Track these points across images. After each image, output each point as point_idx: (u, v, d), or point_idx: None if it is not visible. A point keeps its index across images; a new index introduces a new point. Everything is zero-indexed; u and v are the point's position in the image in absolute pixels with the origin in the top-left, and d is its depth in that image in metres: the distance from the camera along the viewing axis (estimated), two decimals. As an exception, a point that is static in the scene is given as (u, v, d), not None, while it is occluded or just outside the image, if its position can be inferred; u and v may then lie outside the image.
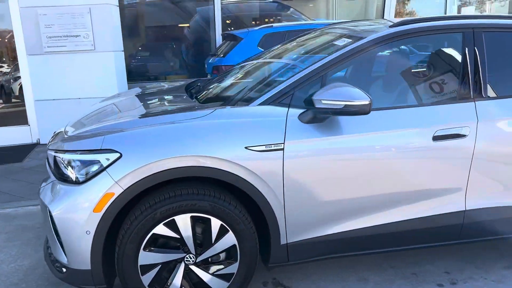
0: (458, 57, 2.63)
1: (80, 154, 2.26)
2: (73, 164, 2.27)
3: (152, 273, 2.32)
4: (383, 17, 9.25)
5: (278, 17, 10.54)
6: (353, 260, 3.00)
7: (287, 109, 2.37)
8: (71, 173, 2.26)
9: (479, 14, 2.79)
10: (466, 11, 12.25)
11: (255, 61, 3.32)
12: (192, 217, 2.28)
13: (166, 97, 3.15)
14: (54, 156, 2.43)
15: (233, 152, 2.25)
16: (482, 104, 2.57)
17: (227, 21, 8.97)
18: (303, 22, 7.33)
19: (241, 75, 3.20)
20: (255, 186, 2.30)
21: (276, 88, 2.42)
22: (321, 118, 2.34)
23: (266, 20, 10.28)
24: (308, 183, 2.37)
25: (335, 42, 2.68)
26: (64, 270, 2.33)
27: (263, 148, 2.28)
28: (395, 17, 9.44)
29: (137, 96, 3.23)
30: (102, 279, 2.30)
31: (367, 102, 2.19)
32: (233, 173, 2.26)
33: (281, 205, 2.35)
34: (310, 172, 2.35)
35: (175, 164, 2.20)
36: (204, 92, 2.98)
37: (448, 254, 3.10)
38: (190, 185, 2.30)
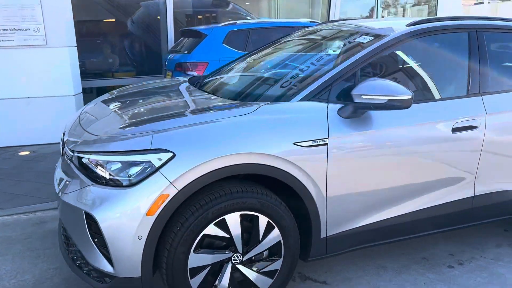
0: (466, 55, 2.85)
1: (126, 155, 2.12)
2: (115, 166, 2.12)
3: (201, 275, 2.25)
4: (328, 18, 9.59)
5: (214, 14, 10.51)
6: (366, 250, 3.12)
7: (326, 104, 2.41)
8: (115, 175, 2.11)
9: (482, 15, 3.11)
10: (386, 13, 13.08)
11: (262, 56, 3.32)
12: (241, 215, 2.25)
13: (188, 94, 3.03)
14: (79, 158, 2.26)
15: (282, 148, 2.25)
16: (488, 98, 2.80)
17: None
18: (267, 20, 7.39)
19: (257, 70, 3.17)
20: (301, 181, 2.31)
21: (314, 84, 2.45)
22: (359, 113, 2.41)
23: (200, 16, 10.21)
24: (348, 176, 2.43)
25: (357, 40, 2.77)
26: (109, 280, 2.17)
27: (310, 143, 2.30)
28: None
29: (147, 94, 3.11)
30: (151, 286, 2.18)
31: (409, 97, 2.30)
32: (282, 169, 2.26)
33: (323, 199, 2.39)
34: (350, 165, 2.42)
35: (229, 162, 2.15)
36: (224, 89, 2.92)
37: (445, 238, 3.34)
38: (237, 183, 2.26)
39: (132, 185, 2.07)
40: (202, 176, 2.11)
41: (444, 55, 2.90)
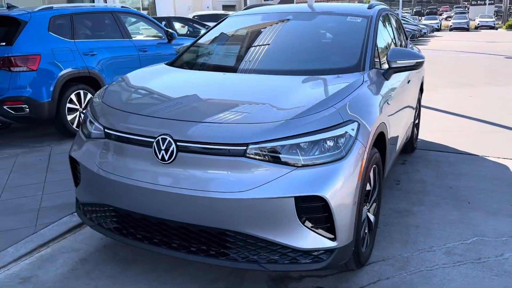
0: (390, 29, 3.95)
1: (328, 131, 2.19)
2: (322, 144, 2.17)
3: (364, 226, 2.55)
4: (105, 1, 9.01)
5: None
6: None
7: (376, 70, 3.03)
8: (325, 153, 2.16)
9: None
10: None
11: (271, 36, 3.48)
12: (373, 168, 2.65)
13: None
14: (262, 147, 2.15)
15: (385, 107, 2.77)
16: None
17: None
18: (88, 5, 6.42)
19: (294, 49, 3.33)
20: (388, 130, 2.87)
21: (367, 56, 3.01)
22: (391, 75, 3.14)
23: None
24: (393, 124, 3.15)
25: (350, 19, 3.42)
26: (326, 256, 2.19)
27: (388, 102, 2.91)
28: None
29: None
30: (354, 246, 2.35)
31: (424, 59, 3.19)
32: (385, 123, 2.77)
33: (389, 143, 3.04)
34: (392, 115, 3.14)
35: (379, 123, 2.52)
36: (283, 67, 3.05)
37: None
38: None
39: (343, 157, 2.19)
40: (372, 138, 2.42)
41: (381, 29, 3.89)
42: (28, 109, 4.99)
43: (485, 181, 4.18)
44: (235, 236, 2.21)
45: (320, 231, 2.18)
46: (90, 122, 2.67)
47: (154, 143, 2.27)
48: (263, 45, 3.35)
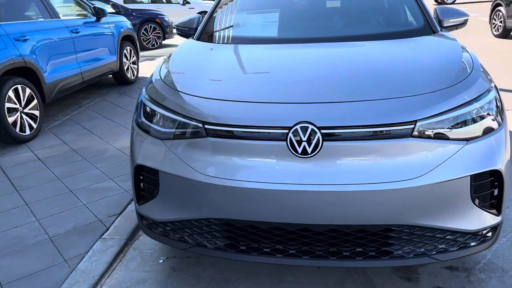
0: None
1: (485, 96, 1.99)
2: (481, 110, 1.96)
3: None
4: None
5: None
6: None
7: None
8: (485, 120, 1.96)
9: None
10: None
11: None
12: None
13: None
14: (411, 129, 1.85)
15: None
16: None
17: None
18: None
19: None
20: None
21: (430, 15, 2.82)
22: None
23: None
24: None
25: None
26: (491, 234, 1.98)
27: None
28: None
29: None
30: None
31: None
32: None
33: None
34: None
35: None
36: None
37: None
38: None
39: (501, 123, 2.01)
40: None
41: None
42: (-39, 115, 3.88)
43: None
44: (400, 230, 1.89)
45: (487, 207, 1.98)
46: (164, 118, 2.07)
47: (290, 134, 1.82)
48: (312, 10, 2.96)
